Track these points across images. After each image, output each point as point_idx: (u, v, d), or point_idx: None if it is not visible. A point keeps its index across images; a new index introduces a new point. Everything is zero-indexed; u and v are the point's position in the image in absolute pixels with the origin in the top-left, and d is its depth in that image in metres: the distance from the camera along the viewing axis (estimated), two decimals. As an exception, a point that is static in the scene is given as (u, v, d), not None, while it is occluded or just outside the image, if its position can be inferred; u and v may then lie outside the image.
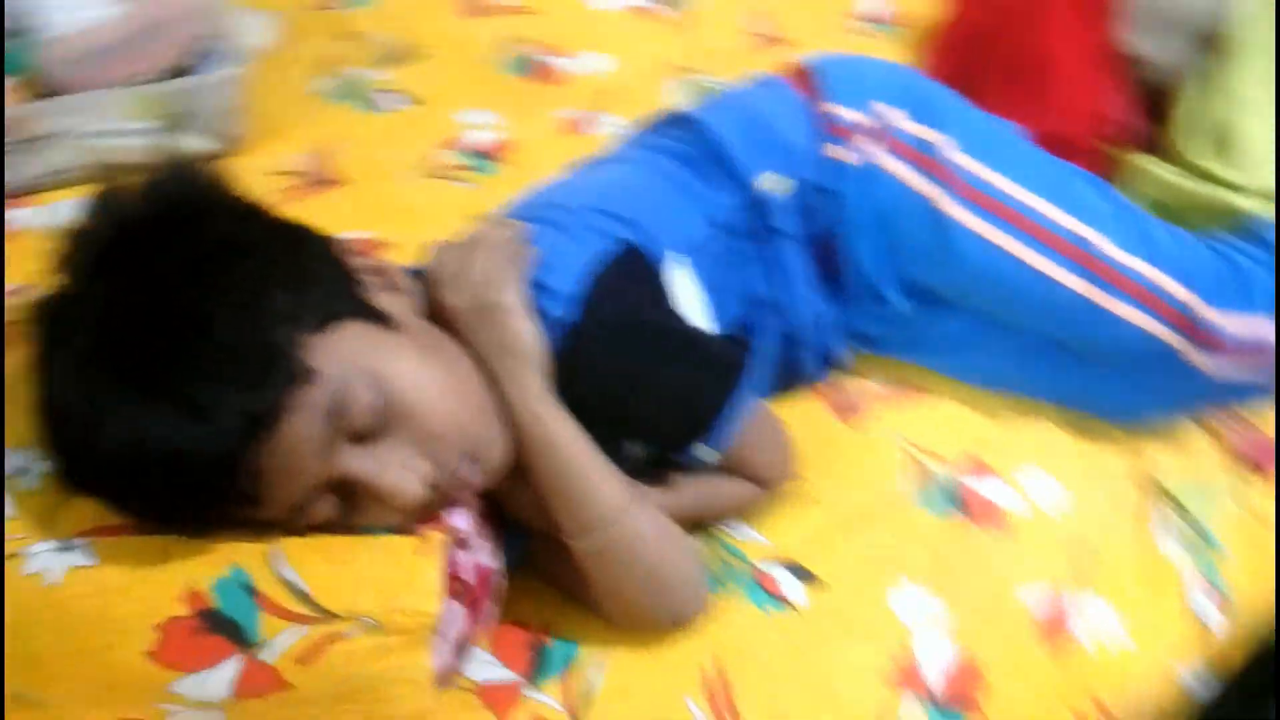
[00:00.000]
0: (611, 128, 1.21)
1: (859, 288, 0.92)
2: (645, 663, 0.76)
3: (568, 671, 0.74)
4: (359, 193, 1.11)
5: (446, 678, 0.69)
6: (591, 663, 0.75)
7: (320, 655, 0.62)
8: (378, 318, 0.65)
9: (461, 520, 0.69)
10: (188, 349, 0.57)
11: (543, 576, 0.80)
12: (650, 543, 0.72)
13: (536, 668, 0.74)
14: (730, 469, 0.80)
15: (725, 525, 0.85)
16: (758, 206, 0.87)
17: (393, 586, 0.63)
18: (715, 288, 0.84)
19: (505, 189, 1.08)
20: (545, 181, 0.90)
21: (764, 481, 0.83)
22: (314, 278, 0.63)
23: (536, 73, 1.29)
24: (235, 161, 1.12)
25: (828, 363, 0.95)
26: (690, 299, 0.82)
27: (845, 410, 0.96)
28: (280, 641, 0.62)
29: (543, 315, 0.71)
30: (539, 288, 0.72)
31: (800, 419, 0.91)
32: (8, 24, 1.03)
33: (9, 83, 1.03)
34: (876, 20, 1.44)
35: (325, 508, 0.63)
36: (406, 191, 1.11)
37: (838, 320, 0.93)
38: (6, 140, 1.02)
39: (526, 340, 0.69)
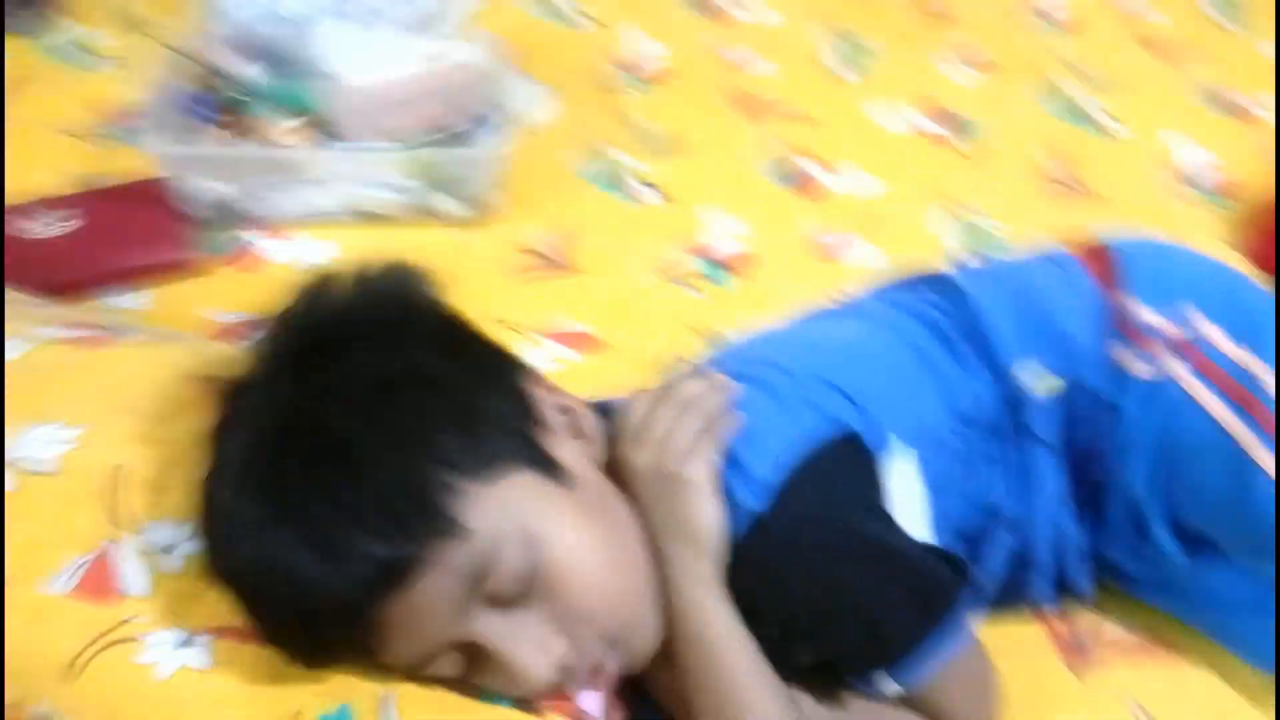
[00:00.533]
0: (864, 258, 1.12)
1: (1119, 516, 0.77)
2: None
3: None
4: (590, 283, 1.08)
5: None
6: None
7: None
8: (549, 469, 0.59)
9: (591, 704, 0.62)
10: (334, 482, 0.53)
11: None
12: None
13: None
14: (914, 707, 0.68)
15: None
16: (1013, 402, 0.74)
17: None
18: (943, 488, 0.72)
19: (735, 305, 1.04)
20: (770, 329, 0.81)
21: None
22: (491, 417, 0.58)
23: (797, 183, 1.22)
24: (482, 230, 1.12)
25: (1062, 589, 0.80)
26: (909, 498, 0.71)
27: (1072, 652, 0.80)
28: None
29: (730, 498, 0.62)
30: (734, 464, 0.63)
31: (1016, 650, 0.77)
32: (301, 66, 1.07)
33: (293, 123, 1.07)
34: (1199, 186, 1.26)
35: (448, 665, 0.57)
36: (635, 290, 1.07)
37: (1084, 546, 0.78)
38: (278, 175, 1.07)
39: (706, 524, 0.61)
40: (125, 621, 0.58)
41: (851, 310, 0.84)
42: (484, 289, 1.05)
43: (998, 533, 0.74)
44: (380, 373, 0.57)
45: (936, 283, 0.82)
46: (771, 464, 0.63)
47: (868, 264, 1.11)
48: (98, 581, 0.59)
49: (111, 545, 0.60)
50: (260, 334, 0.61)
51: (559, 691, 0.60)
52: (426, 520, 0.53)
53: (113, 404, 0.67)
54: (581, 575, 0.57)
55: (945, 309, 0.78)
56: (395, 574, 0.52)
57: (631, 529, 0.62)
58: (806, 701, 0.66)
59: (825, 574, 0.62)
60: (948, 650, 0.64)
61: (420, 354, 0.59)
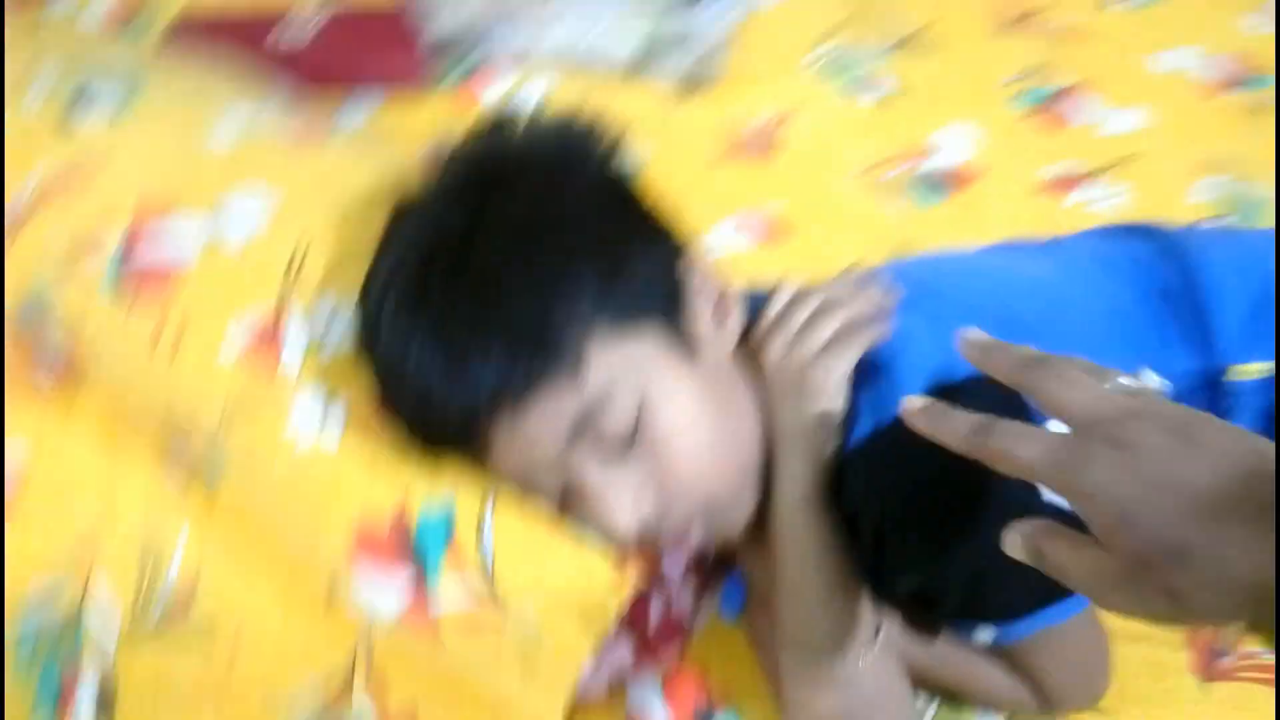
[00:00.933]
0: (1097, 199, 1.02)
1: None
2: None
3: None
4: (792, 174, 1.05)
5: (585, 696, 0.65)
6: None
7: (478, 636, 0.61)
8: (680, 339, 0.60)
9: (674, 566, 0.63)
10: (471, 301, 0.56)
11: (749, 635, 0.72)
12: (857, 704, 0.62)
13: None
14: (1011, 662, 0.66)
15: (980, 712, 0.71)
16: (1217, 390, 0.66)
17: (565, 607, 0.60)
18: None
19: (940, 223, 0.98)
20: (957, 252, 0.76)
21: (1048, 697, 0.66)
22: (636, 276, 0.59)
23: (1044, 107, 1.12)
24: (694, 102, 1.11)
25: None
26: None
27: (1207, 658, 0.74)
28: (450, 601, 0.61)
29: (854, 406, 0.60)
30: (869, 374, 0.60)
31: (1144, 638, 0.72)
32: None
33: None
34: None
35: (548, 496, 0.61)
36: (838, 188, 1.03)
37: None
38: (514, 10, 1.09)
39: (821, 428, 0.60)
40: (278, 384, 0.64)
41: (1052, 249, 0.77)
42: (683, 161, 1.04)
43: None
44: (537, 211, 0.59)
45: (1163, 241, 0.73)
46: (906, 381, 0.59)
47: (1098, 206, 1.01)
48: (263, 343, 0.65)
49: (284, 312, 0.66)
50: (440, 160, 0.63)
51: (646, 547, 0.62)
52: (550, 355, 0.55)
53: (314, 184, 0.72)
54: (682, 445, 0.58)
55: (1162, 270, 0.70)
56: (510, 398, 0.55)
57: (747, 417, 0.61)
58: (893, 627, 0.65)
59: (941, 510, 0.57)
60: (1053, 618, 0.61)
61: (582, 203, 0.60)
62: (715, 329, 0.62)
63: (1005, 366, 0.46)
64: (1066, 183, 1.04)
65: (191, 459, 0.76)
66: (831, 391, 0.59)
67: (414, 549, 0.62)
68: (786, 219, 1.00)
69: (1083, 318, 0.67)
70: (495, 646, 0.61)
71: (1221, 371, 0.64)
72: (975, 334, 0.51)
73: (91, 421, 0.85)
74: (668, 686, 0.72)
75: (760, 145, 1.08)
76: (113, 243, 0.70)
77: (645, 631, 0.64)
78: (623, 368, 0.56)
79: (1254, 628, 0.57)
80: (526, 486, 0.61)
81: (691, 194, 0.99)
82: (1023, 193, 1.04)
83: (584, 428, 0.57)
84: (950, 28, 1.19)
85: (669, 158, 1.05)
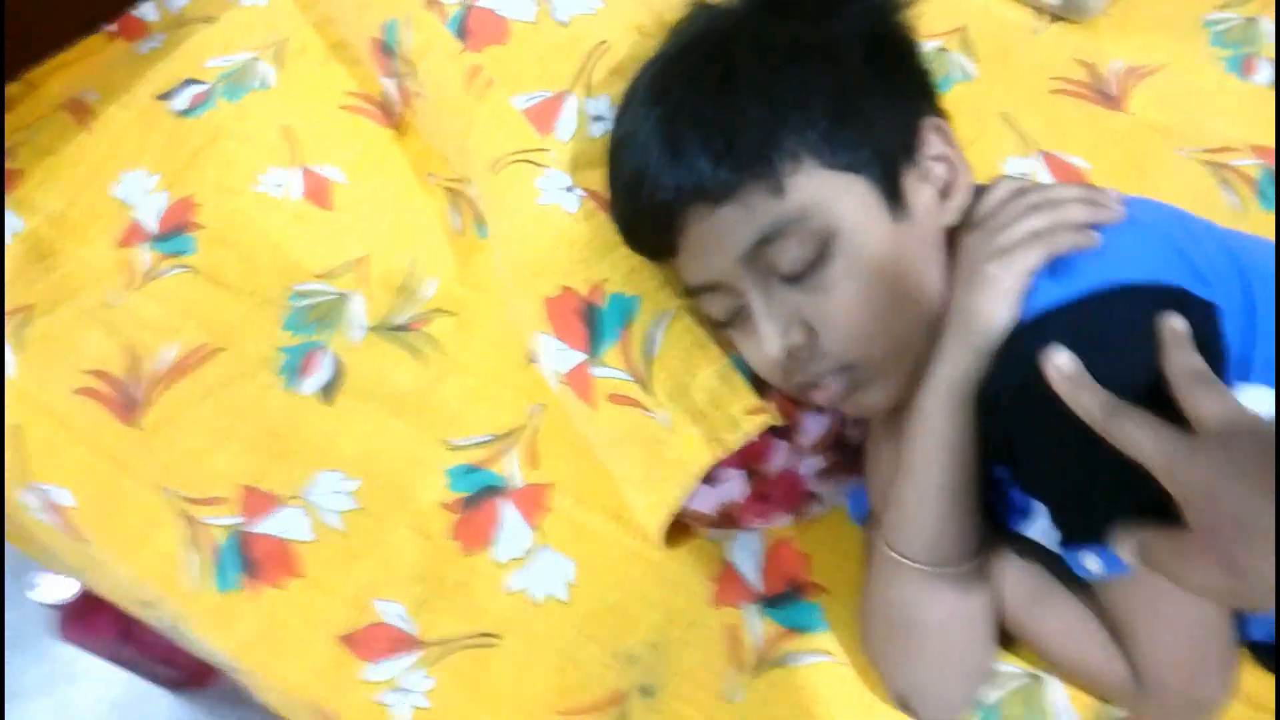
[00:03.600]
0: None
1: None
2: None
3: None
4: (1125, 129, 0.97)
5: (691, 518, 0.70)
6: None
7: (625, 408, 0.67)
8: (891, 197, 0.60)
9: (814, 426, 0.66)
10: (708, 99, 0.60)
11: (865, 541, 0.73)
12: (932, 618, 0.63)
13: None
14: (1113, 628, 0.62)
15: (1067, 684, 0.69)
16: None
17: (700, 417, 0.64)
18: None
19: (1265, 232, 0.88)
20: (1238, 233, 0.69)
21: (1143, 676, 0.60)
22: (869, 124, 0.60)
23: None
24: (1063, 28, 1.05)
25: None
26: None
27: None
28: (610, 372, 0.68)
29: (1033, 298, 0.57)
30: (1061, 270, 0.57)
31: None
32: None
33: None
34: None
35: (717, 307, 0.64)
36: (1164, 159, 0.95)
37: None
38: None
39: (986, 325, 0.57)
40: (543, 150, 0.73)
41: None
42: (1017, 80, 0.99)
43: None
44: (799, 39, 0.61)
45: None
46: (1097, 275, 0.55)
47: None
48: (545, 113, 0.74)
49: (568, 94, 0.73)
50: None
51: (795, 397, 0.65)
52: (759, 167, 0.58)
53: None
54: (848, 293, 0.59)
55: None
56: (710, 191, 0.59)
57: (929, 297, 0.61)
58: (1001, 551, 0.64)
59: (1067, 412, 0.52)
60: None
61: (844, 43, 0.62)
62: (935, 201, 0.62)
63: (1088, 406, 0.50)
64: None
65: (471, 207, 0.87)
66: (1005, 289, 0.56)
67: (596, 323, 0.69)
68: (1101, 171, 0.94)
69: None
70: (634, 422, 0.68)
71: None
72: (1065, 361, 0.51)
73: (409, 155, 0.99)
74: (770, 552, 0.76)
75: (1107, 92, 1.00)
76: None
77: (764, 476, 0.67)
78: (821, 200, 0.58)
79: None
80: (701, 292, 0.64)
81: (1014, 117, 0.97)
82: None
83: (766, 245, 0.59)
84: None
85: (1007, 73, 1.01)
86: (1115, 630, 0.60)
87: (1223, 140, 0.95)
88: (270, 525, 0.81)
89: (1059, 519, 0.58)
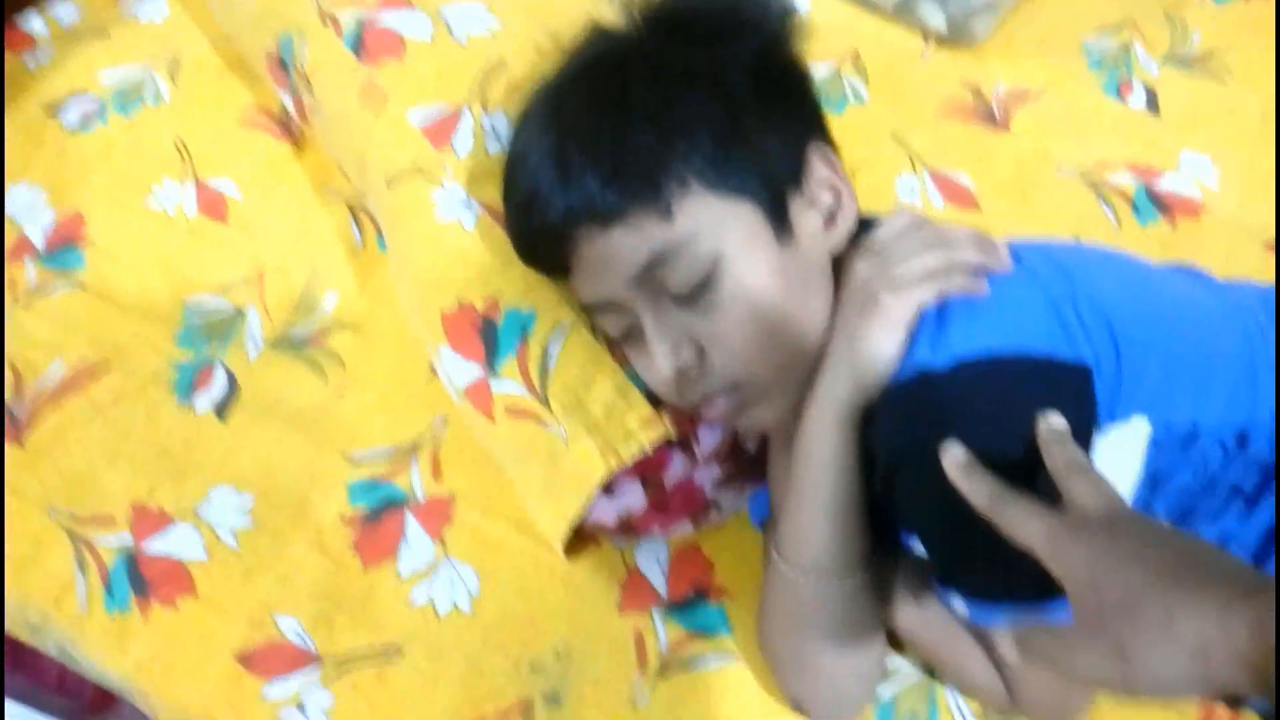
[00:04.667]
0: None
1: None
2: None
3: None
4: (1008, 150, 1.02)
5: (593, 528, 0.71)
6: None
7: (522, 421, 0.68)
8: (778, 223, 0.62)
9: (709, 437, 0.68)
10: (604, 121, 0.61)
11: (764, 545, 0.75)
12: (822, 627, 0.65)
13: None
14: (989, 648, 0.66)
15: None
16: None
17: (595, 430, 0.65)
18: (1166, 493, 0.63)
19: (1139, 247, 0.93)
20: (1113, 253, 0.73)
21: (1018, 698, 0.66)
22: (756, 150, 0.62)
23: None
24: (948, 53, 1.09)
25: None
26: (1119, 474, 0.63)
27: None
28: (507, 386, 0.68)
29: (913, 345, 0.59)
30: (941, 320, 0.59)
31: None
32: None
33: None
34: None
35: (612, 324, 0.66)
36: (1046, 176, 0.99)
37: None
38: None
39: (873, 354, 0.59)
40: (441, 165, 0.73)
41: (1224, 290, 0.73)
42: (909, 103, 1.03)
43: None
44: (691, 65, 0.63)
45: None
46: (978, 340, 0.56)
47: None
48: (442, 128, 0.74)
49: (465, 109, 0.74)
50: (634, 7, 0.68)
51: (688, 410, 0.66)
52: (648, 190, 0.60)
53: (534, 12, 0.79)
54: (738, 314, 0.61)
55: None
56: (599, 213, 0.61)
57: (815, 320, 0.62)
58: (890, 571, 0.66)
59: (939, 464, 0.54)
60: (1023, 620, 0.59)
61: (735, 70, 0.63)
62: (821, 227, 0.64)
63: (978, 493, 0.52)
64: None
65: (372, 221, 0.87)
66: (895, 320, 0.57)
67: (493, 337, 0.69)
68: (987, 190, 0.98)
69: (1203, 349, 0.63)
70: (531, 435, 0.68)
71: None
72: (957, 452, 0.53)
73: (309, 169, 0.98)
74: (674, 558, 0.78)
75: (992, 114, 1.05)
76: (358, 14, 0.81)
77: (661, 485, 0.69)
78: (709, 225, 0.59)
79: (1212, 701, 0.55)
80: (597, 311, 0.66)
81: (904, 138, 1.01)
82: (1250, 243, 0.96)
83: (656, 268, 0.61)
84: (1240, 59, 1.09)
85: (897, 95, 1.05)
86: (990, 655, 0.64)
87: (1101, 159, 1.00)
88: (162, 544, 0.80)
89: (931, 561, 0.60)
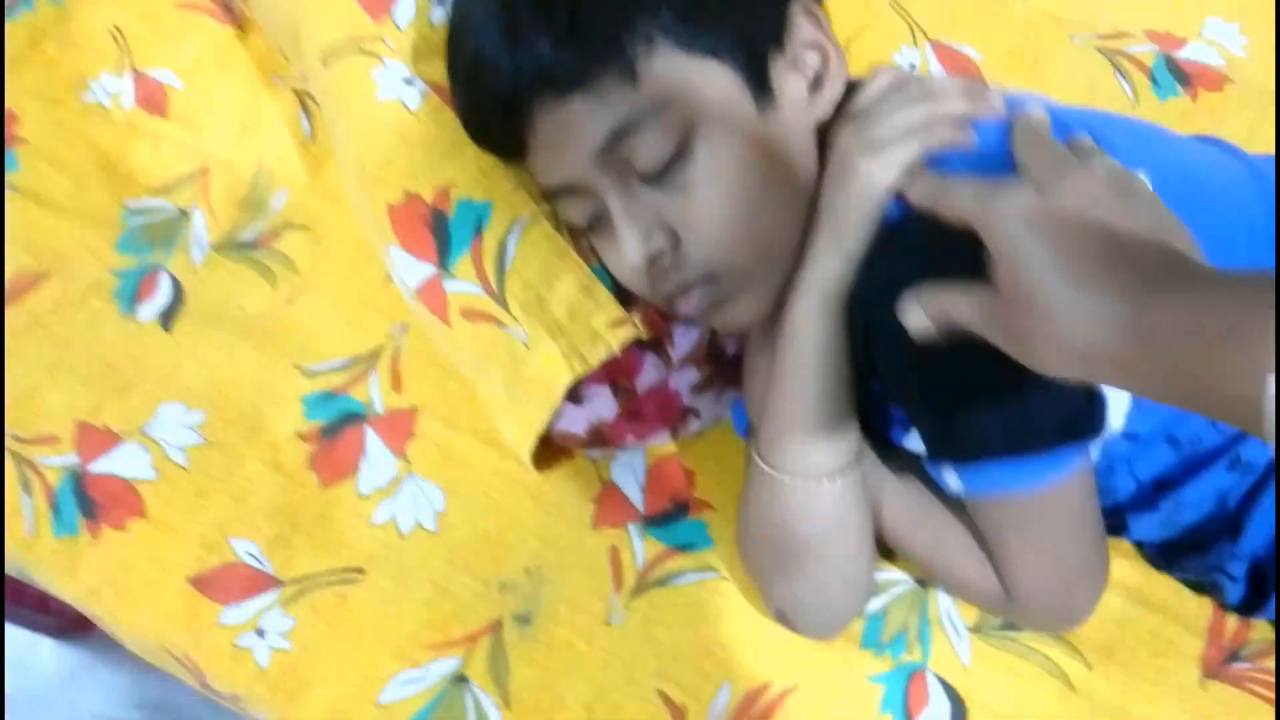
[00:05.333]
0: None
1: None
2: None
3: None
4: (1015, 14, 0.93)
5: (562, 438, 0.65)
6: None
7: (479, 323, 0.62)
8: (756, 86, 0.55)
9: (685, 338, 0.62)
10: None
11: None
12: (808, 532, 0.60)
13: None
14: (981, 533, 0.60)
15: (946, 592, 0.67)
16: None
17: (558, 331, 0.59)
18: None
19: (1164, 121, 0.85)
20: (1145, 121, 0.65)
21: (1012, 591, 0.59)
22: (732, 4, 0.54)
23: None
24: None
25: (1256, 599, 0.65)
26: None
27: (1216, 653, 0.66)
28: (461, 286, 0.62)
29: (894, 203, 0.53)
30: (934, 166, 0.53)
31: (1158, 609, 0.67)
32: None
33: None
34: None
35: (575, 211, 0.58)
36: (1058, 43, 0.91)
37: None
38: None
39: (856, 224, 0.53)
40: (378, 38, 0.65)
41: (1258, 162, 0.65)
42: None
43: (1211, 476, 0.60)
44: None
45: None
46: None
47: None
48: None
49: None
50: None
51: (660, 309, 0.60)
52: (607, 51, 0.52)
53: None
54: (713, 193, 0.54)
55: None
56: (554, 79, 0.53)
57: (797, 194, 0.56)
58: (869, 464, 0.61)
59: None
60: (1018, 479, 0.54)
61: None
62: (806, 92, 0.57)
63: (920, 191, 0.49)
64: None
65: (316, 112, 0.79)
66: (877, 184, 0.52)
67: (445, 231, 0.62)
68: (993, 61, 0.90)
69: (1228, 217, 0.56)
70: (490, 339, 0.62)
71: None
72: (1040, 118, 0.50)
73: (254, 55, 0.90)
74: (652, 469, 0.73)
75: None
76: None
77: (633, 391, 0.63)
78: (679, 89, 0.52)
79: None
80: (558, 196, 0.59)
81: (906, 4, 0.92)
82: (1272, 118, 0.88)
83: (621, 141, 0.53)
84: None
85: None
86: (985, 545, 0.58)
87: (1117, 26, 0.92)
88: (109, 464, 0.75)
89: (921, 433, 0.55)
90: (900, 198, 0.53)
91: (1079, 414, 0.53)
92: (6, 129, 0.89)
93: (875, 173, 0.52)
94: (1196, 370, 0.35)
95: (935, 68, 0.90)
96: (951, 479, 0.55)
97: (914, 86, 0.55)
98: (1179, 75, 0.89)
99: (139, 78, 0.91)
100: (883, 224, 0.53)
